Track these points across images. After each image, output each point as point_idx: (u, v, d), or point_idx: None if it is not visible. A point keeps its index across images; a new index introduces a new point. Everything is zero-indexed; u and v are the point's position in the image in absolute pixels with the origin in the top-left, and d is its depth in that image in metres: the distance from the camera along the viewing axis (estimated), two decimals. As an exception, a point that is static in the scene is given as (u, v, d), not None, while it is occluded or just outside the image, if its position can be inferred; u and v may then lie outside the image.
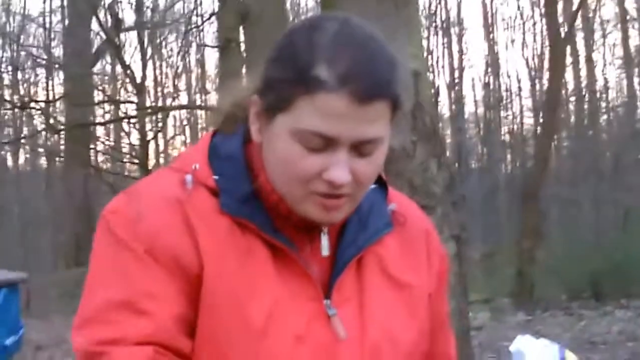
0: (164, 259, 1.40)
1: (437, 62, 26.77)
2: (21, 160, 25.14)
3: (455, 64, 27.35)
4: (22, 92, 20.61)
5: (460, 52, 27.57)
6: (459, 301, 5.28)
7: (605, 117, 25.62)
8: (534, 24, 26.36)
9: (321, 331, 1.45)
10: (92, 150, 18.72)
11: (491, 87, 27.50)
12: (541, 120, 16.30)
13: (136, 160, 16.38)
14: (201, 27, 20.28)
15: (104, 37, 17.71)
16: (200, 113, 24.20)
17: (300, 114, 1.35)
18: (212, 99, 22.02)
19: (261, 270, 1.42)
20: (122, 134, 19.19)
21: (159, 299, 1.39)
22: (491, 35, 27.32)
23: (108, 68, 22.58)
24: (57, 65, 20.10)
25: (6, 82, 19.92)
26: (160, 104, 21.63)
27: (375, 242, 1.54)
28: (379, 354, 1.48)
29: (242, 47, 13.01)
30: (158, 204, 1.43)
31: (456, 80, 27.03)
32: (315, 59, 1.34)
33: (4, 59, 21.05)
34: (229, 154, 1.49)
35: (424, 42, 24.76)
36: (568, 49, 19.43)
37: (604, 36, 24.66)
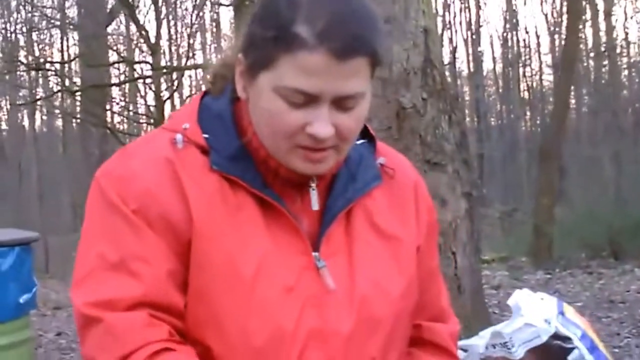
0: (153, 218, 1.43)
1: (454, 18, 26.53)
2: (38, 122, 25.28)
3: (473, 20, 27.08)
4: (37, 53, 20.65)
5: (478, 7, 27.28)
6: (470, 259, 5.24)
7: (626, 72, 25.36)
8: (553, -23, 26.03)
9: (310, 283, 1.48)
10: (108, 111, 18.70)
11: (510, 43, 27.26)
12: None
13: (152, 121, 16.31)
14: (216, -15, 20.12)
15: (118, -4, 17.65)
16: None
17: (282, 71, 1.39)
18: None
19: (251, 226, 1.46)
20: (138, 95, 19.15)
21: (149, 260, 1.42)
22: (510, -10, 26.99)
23: (123, 29, 22.59)
24: (71, 26, 20.07)
25: (21, 43, 19.93)
26: (175, 63, 21.59)
27: (364, 194, 1.57)
28: (367, 304, 1.51)
29: (256, 4, 12.90)
30: (148, 164, 1.47)
31: (474, 37, 26.77)
32: (295, 17, 1.37)
33: (18, 20, 21.09)
34: (218, 112, 1.52)
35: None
36: (587, 3, 19.15)
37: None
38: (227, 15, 30.14)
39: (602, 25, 24.03)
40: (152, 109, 16.27)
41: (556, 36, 25.13)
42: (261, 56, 1.41)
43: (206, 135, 1.49)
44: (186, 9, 23.08)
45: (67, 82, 16.33)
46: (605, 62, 23.69)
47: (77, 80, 18.60)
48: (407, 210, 1.62)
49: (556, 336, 1.98)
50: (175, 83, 18.30)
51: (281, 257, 1.46)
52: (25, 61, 17.81)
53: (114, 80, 18.77)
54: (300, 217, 1.50)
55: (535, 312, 2.00)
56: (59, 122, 24.09)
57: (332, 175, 1.54)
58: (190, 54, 22.12)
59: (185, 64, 20.23)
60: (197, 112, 1.53)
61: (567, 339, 1.98)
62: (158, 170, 1.45)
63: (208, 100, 1.56)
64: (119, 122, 20.67)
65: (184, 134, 1.49)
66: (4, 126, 26.03)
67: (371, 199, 1.58)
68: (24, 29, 20.47)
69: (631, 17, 25.62)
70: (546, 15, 27.30)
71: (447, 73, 22.30)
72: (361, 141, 1.61)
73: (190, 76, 24.54)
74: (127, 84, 18.92)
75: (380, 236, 1.56)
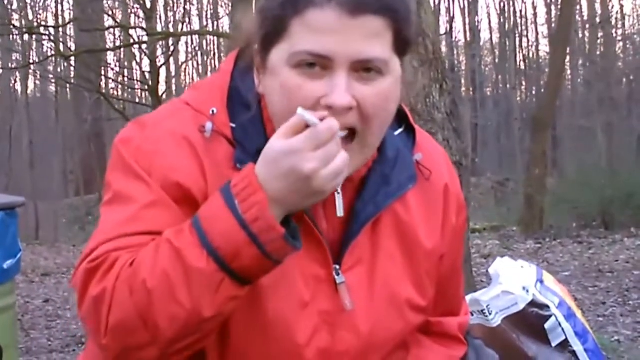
0: (178, 196, 1.37)
1: (451, -13, 26.33)
2: (31, 87, 25.09)
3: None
4: (31, 17, 20.45)
5: (475, -23, 27.08)
6: (459, 229, 5.27)
7: (620, 44, 25.30)
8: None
9: (327, 299, 1.42)
10: (102, 77, 18.59)
11: (506, 14, 27.13)
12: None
13: (147, 87, 16.24)
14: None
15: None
16: (212, 39, 24.02)
17: (293, 38, 1.32)
18: (225, 24, 21.84)
19: None
20: (134, 63, 19.04)
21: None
22: (507, -40, 26.81)
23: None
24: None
25: (14, 6, 19.70)
26: (171, 29, 21.44)
27: (396, 199, 1.47)
28: (382, 324, 1.46)
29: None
30: (173, 141, 1.40)
31: (471, 7, 26.63)
32: None
33: (12, -17, 20.87)
34: (247, 100, 1.44)
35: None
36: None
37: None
38: (222, -19, 29.90)
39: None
40: (147, 75, 16.16)
41: (553, 7, 25.00)
42: (272, 26, 1.34)
43: (233, 125, 1.42)
44: (182, -26, 22.88)
45: (61, 47, 16.18)
46: (600, 34, 23.63)
47: (72, 45, 18.46)
48: (435, 216, 1.53)
49: (534, 304, 2.00)
50: (171, 49, 18.22)
51: (300, 268, 1.39)
52: (18, 25, 17.63)
53: (109, 46, 18.64)
54: (322, 223, 1.43)
55: (513, 280, 2.03)
56: (52, 88, 23.98)
57: (361, 178, 1.44)
58: (187, 20, 22.03)
59: (181, 29, 20.12)
60: (228, 92, 1.45)
61: (544, 307, 2.00)
62: (185, 152, 1.39)
63: (238, 76, 1.47)
64: (113, 88, 20.57)
65: (213, 122, 1.41)
66: (-5, 90, 25.89)
67: (403, 203, 1.48)
68: (18, -8, 20.29)
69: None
70: (543, -15, 27.15)
71: (443, 42, 22.22)
72: (399, 131, 1.52)
73: (186, 42, 24.40)
74: (122, 50, 18.78)
75: (406, 249, 1.48)
